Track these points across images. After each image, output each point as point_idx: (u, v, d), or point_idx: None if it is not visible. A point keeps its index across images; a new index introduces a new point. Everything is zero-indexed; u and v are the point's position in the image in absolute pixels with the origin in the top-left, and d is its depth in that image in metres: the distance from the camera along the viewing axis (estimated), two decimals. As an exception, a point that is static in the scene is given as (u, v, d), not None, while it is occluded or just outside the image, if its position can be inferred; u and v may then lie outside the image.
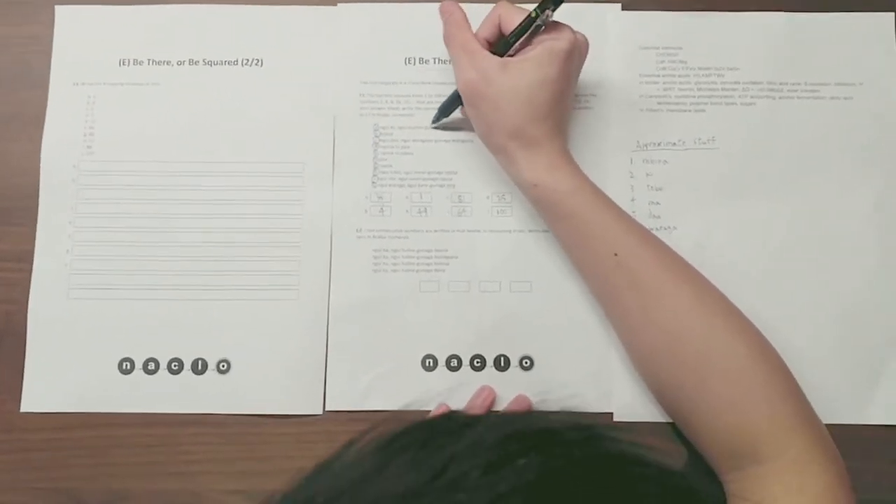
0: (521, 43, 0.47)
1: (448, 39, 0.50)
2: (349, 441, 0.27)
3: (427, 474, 0.24)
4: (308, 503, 0.25)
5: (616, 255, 0.46)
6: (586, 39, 0.48)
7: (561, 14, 0.52)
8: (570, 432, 0.27)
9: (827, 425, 0.49)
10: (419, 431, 0.27)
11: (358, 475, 0.25)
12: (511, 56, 0.48)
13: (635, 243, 0.46)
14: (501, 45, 0.48)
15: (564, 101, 0.48)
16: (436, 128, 0.54)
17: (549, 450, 0.25)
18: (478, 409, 0.50)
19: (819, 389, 0.50)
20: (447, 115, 0.53)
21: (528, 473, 0.24)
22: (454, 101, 0.52)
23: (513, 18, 0.47)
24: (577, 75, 0.49)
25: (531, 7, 0.47)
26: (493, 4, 0.50)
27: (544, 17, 0.46)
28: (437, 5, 0.55)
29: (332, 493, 0.25)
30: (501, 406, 0.51)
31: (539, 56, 0.46)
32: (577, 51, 0.47)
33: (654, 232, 0.52)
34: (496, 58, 0.47)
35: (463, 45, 0.48)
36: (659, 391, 0.48)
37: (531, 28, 0.46)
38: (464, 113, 0.52)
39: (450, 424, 0.27)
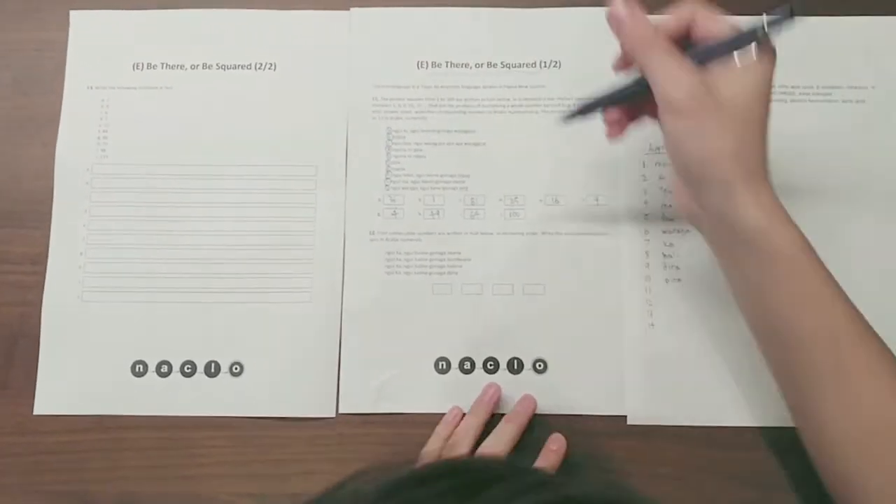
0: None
1: (645, 50, 0.40)
2: (338, 484, 0.25)
3: None
4: None
5: (828, 334, 0.39)
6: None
7: (566, 17, 0.52)
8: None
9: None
10: (424, 486, 0.23)
11: None
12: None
13: (850, 325, 0.39)
14: (697, 54, 0.40)
15: (767, 122, 0.40)
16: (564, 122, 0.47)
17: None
18: (483, 407, 0.49)
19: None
20: (586, 114, 0.46)
21: None
22: (616, 99, 0.45)
23: (713, 28, 0.40)
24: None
25: (734, 16, 0.40)
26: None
27: (768, 32, 0.39)
28: (448, 9, 0.56)
29: None
30: (509, 406, 0.51)
31: (753, 67, 0.39)
32: (774, 74, 0.40)
33: (666, 235, 0.53)
34: (702, 66, 0.39)
35: (670, 53, 0.39)
36: (844, 492, 0.41)
37: (747, 44, 0.39)
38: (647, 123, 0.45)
39: (464, 479, 0.23)
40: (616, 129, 0.46)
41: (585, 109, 0.46)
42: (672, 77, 0.39)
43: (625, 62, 0.44)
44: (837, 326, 0.39)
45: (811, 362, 0.40)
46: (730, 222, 0.40)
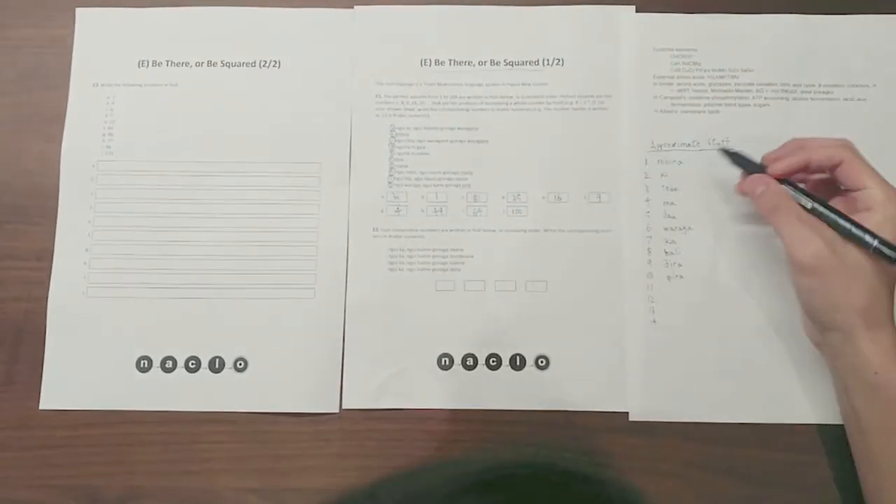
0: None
1: (775, 211, 0.45)
2: None
3: None
4: None
5: None
6: None
7: (569, 15, 0.53)
8: None
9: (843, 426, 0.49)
10: None
11: None
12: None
13: None
14: (822, 213, 0.45)
15: None
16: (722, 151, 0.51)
17: None
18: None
19: (834, 389, 0.51)
20: (739, 165, 0.50)
21: None
22: (749, 166, 0.49)
23: (859, 176, 0.44)
24: None
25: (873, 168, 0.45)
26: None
27: (879, 253, 0.43)
28: (451, 7, 0.56)
29: None
30: (511, 402, 0.51)
31: (880, 225, 0.43)
32: None
33: (668, 232, 0.53)
34: (830, 229, 0.44)
35: (797, 215, 0.44)
36: None
37: (868, 243, 0.43)
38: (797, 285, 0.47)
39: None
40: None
41: (739, 161, 0.50)
42: (799, 239, 0.44)
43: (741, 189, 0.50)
44: None
45: None
46: (849, 361, 0.44)
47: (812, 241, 0.43)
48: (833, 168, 0.46)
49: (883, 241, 0.42)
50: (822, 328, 0.46)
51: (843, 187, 0.47)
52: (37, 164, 0.55)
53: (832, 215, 0.45)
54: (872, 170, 0.45)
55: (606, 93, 0.55)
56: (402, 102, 0.55)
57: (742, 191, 0.49)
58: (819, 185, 0.49)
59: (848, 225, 0.44)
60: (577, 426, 0.51)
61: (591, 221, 0.53)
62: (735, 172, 0.50)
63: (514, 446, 0.50)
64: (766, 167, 0.48)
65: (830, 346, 0.45)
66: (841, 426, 0.48)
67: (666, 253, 0.53)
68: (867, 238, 0.43)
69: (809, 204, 0.45)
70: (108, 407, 0.52)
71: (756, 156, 0.49)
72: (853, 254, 0.43)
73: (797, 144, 0.47)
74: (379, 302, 0.52)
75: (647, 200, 0.54)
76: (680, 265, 0.53)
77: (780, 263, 0.52)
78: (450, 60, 0.56)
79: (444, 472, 0.23)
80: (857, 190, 0.45)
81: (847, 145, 0.46)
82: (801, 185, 0.47)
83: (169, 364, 0.52)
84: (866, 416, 0.44)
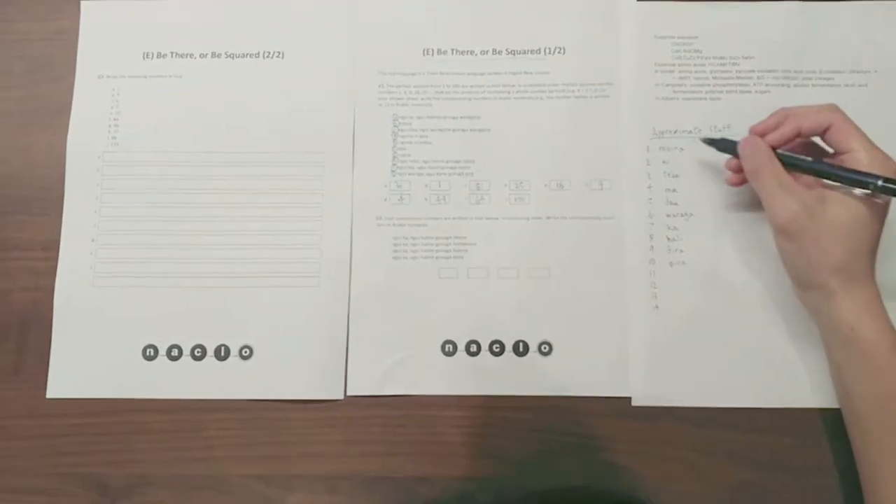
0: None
1: (755, 173, 0.47)
2: None
3: None
4: None
5: None
6: None
7: (571, 4, 0.53)
8: None
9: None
10: None
11: None
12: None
13: None
14: (822, 169, 0.45)
15: (877, 241, 0.45)
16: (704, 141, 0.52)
17: None
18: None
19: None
20: (720, 149, 0.51)
21: None
22: (728, 149, 0.50)
23: (847, 139, 0.45)
24: None
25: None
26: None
27: (884, 196, 0.43)
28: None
29: None
30: (516, 388, 0.51)
31: (868, 200, 0.44)
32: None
33: (670, 219, 0.53)
34: (812, 191, 0.45)
35: (777, 178, 0.46)
36: None
37: (867, 185, 0.43)
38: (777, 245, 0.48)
39: None
40: (736, 179, 0.51)
41: (722, 145, 0.51)
42: (775, 202, 0.45)
43: (734, 180, 0.51)
44: None
45: (892, 455, 0.43)
46: (826, 317, 0.45)
47: (790, 203, 0.44)
48: (823, 132, 0.47)
49: (888, 179, 0.43)
50: (801, 286, 0.47)
51: (831, 150, 0.47)
52: (43, 156, 0.55)
53: (832, 170, 0.45)
54: (860, 132, 0.45)
55: (608, 81, 0.55)
56: (405, 92, 0.55)
57: (731, 167, 0.50)
58: (797, 149, 0.49)
59: (849, 174, 0.44)
60: (580, 412, 0.51)
61: (593, 209, 0.54)
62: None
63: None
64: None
65: (811, 303, 0.47)
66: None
67: (668, 239, 0.53)
68: (870, 180, 0.43)
69: (806, 164, 0.46)
70: (115, 395, 0.52)
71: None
72: (831, 215, 0.44)
73: (784, 114, 0.48)
74: (383, 290, 0.53)
75: (649, 187, 0.54)
76: (682, 251, 0.53)
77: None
78: (452, 50, 0.56)
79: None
80: (844, 153, 0.45)
81: (835, 108, 0.47)
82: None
83: (175, 352, 0.52)
84: (846, 370, 0.45)
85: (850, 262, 0.44)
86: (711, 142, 0.51)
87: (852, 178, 0.44)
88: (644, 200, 0.54)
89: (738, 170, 0.50)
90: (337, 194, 0.54)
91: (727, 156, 0.51)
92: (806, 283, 0.46)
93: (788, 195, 0.45)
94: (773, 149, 0.47)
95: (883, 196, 0.44)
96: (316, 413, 0.52)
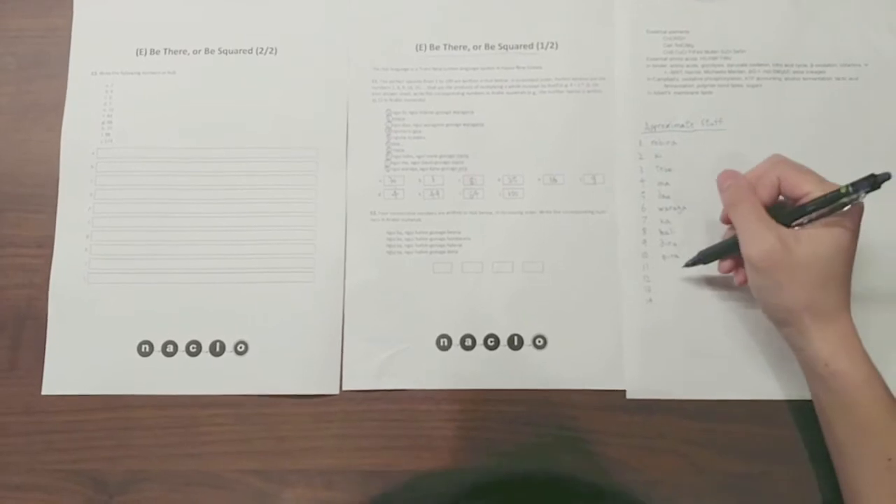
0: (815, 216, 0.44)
1: (734, 207, 0.46)
2: None
3: None
4: None
5: (889, 459, 0.42)
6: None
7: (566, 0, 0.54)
8: None
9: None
10: None
11: None
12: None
13: None
14: (788, 214, 0.45)
15: (849, 275, 0.45)
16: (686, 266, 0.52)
17: None
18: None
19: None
20: (707, 263, 0.51)
21: None
22: (722, 253, 0.50)
23: (799, 184, 0.44)
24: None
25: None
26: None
27: (855, 197, 0.42)
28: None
29: None
30: (510, 382, 0.51)
31: (834, 222, 0.44)
32: (861, 214, 0.45)
33: (663, 212, 0.54)
34: (787, 229, 0.44)
35: (755, 213, 0.45)
36: None
37: (835, 205, 0.43)
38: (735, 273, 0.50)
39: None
40: (739, 277, 0.50)
41: (704, 259, 0.51)
42: (752, 236, 0.45)
43: (725, 217, 0.50)
44: (891, 456, 0.42)
45: (876, 487, 0.43)
46: (802, 353, 0.45)
47: (767, 237, 0.44)
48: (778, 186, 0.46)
49: (854, 183, 0.42)
50: (777, 323, 0.47)
51: (787, 198, 0.46)
52: (37, 153, 0.55)
53: (808, 205, 0.44)
54: (809, 172, 0.45)
55: (600, 75, 0.55)
56: (398, 87, 0.56)
57: (724, 268, 0.50)
58: None
59: (822, 199, 0.43)
60: (574, 405, 0.51)
61: (586, 203, 0.54)
62: (728, 146, 0.52)
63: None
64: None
65: (786, 338, 0.47)
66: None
67: (661, 233, 0.53)
68: (841, 188, 0.43)
69: (784, 211, 0.45)
70: (110, 391, 0.52)
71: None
72: (805, 251, 0.43)
73: (736, 183, 0.47)
74: (377, 284, 0.53)
75: (642, 181, 0.54)
76: (675, 245, 0.53)
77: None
78: (445, 45, 0.56)
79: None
80: (801, 196, 0.45)
81: (776, 160, 0.46)
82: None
83: (170, 348, 0.52)
84: (825, 404, 0.45)
85: (824, 298, 0.44)
86: (695, 262, 0.51)
87: (826, 200, 0.43)
88: (637, 194, 0.54)
89: (732, 267, 0.50)
90: (331, 189, 0.54)
91: (713, 146, 0.50)
92: (781, 321, 0.46)
93: (766, 230, 0.44)
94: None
95: (859, 203, 0.43)
96: (311, 408, 0.52)
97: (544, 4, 0.56)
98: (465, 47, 0.56)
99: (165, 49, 0.56)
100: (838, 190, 0.43)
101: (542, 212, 0.54)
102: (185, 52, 0.56)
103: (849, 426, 0.44)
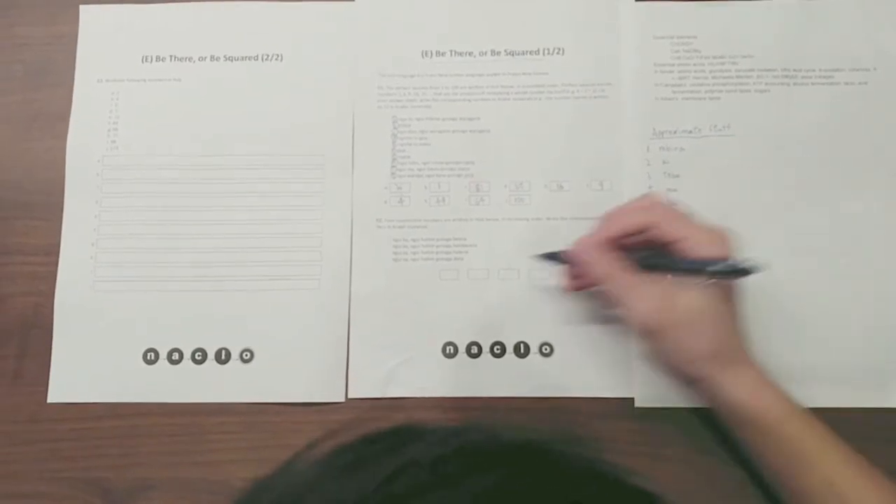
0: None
1: (607, 277, 0.44)
2: (293, 455, 0.26)
3: (370, 485, 0.23)
4: None
5: (832, 485, 0.42)
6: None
7: (569, 4, 0.53)
8: (520, 448, 0.26)
9: (853, 409, 0.50)
10: (367, 442, 0.26)
11: (297, 488, 0.25)
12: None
13: (853, 474, 0.42)
14: (658, 264, 0.44)
15: (739, 319, 0.45)
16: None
17: (499, 466, 0.24)
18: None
19: (844, 372, 0.51)
20: (554, 262, 0.50)
21: (477, 488, 0.23)
22: (553, 260, 0.50)
23: (673, 230, 0.43)
24: None
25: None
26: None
27: (722, 277, 0.42)
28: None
29: None
30: (518, 389, 0.51)
31: (712, 288, 0.43)
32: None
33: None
34: (665, 280, 0.43)
35: (627, 278, 0.44)
36: None
37: (705, 275, 0.42)
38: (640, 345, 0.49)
39: (398, 438, 0.26)
40: (572, 285, 0.50)
41: (553, 258, 0.50)
42: (633, 301, 0.43)
43: (572, 287, 0.50)
44: (839, 476, 0.42)
45: None
46: (721, 403, 0.44)
47: (644, 301, 0.43)
48: (649, 230, 0.45)
49: (721, 266, 0.41)
50: (687, 384, 0.46)
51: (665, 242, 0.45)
52: (43, 161, 0.55)
53: (666, 260, 0.44)
54: (684, 218, 0.44)
55: (607, 81, 0.55)
56: (404, 94, 0.55)
57: (570, 258, 0.48)
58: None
59: (683, 264, 0.43)
60: (582, 413, 0.51)
61: (593, 209, 0.53)
62: (736, 152, 0.51)
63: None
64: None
65: (702, 396, 0.46)
66: (849, 410, 0.49)
67: (669, 240, 0.53)
68: (707, 268, 0.42)
69: (641, 258, 0.45)
70: (116, 399, 0.52)
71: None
72: (684, 305, 0.42)
73: (607, 216, 0.46)
74: (383, 292, 0.53)
75: (650, 187, 0.54)
76: (683, 251, 0.53)
77: (782, 247, 0.52)
78: (451, 51, 0.56)
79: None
80: (679, 241, 0.43)
81: (653, 206, 0.45)
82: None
83: (176, 356, 0.52)
84: (758, 445, 0.44)
85: (719, 347, 0.43)
86: (545, 257, 0.50)
87: (686, 267, 0.43)
88: (644, 200, 0.54)
89: (574, 277, 0.49)
90: (337, 196, 0.54)
91: (721, 152, 0.50)
92: (691, 378, 0.44)
93: (641, 294, 0.43)
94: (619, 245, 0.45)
95: (721, 280, 0.42)
96: (318, 416, 0.52)
97: (551, 10, 0.56)
98: (471, 53, 0.56)
99: (171, 56, 0.56)
100: (704, 270, 0.42)
101: (548, 218, 0.53)
102: (190, 59, 0.56)
103: (786, 460, 0.43)
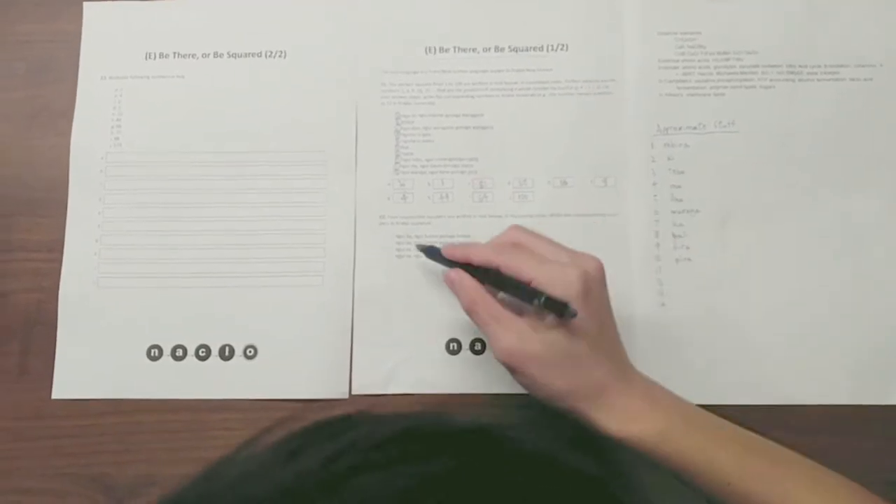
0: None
1: (471, 308, 0.44)
2: (244, 442, 0.27)
3: (312, 465, 0.23)
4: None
5: (729, 485, 0.42)
6: (595, 262, 0.44)
7: (577, 1, 0.53)
8: (468, 433, 0.25)
9: (856, 406, 0.49)
10: (316, 428, 0.26)
11: (241, 474, 0.25)
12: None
13: (746, 470, 0.42)
14: (499, 285, 0.44)
15: (608, 335, 0.44)
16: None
17: (445, 449, 0.24)
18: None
19: (845, 371, 0.50)
20: (432, 257, 0.49)
21: (421, 470, 0.23)
22: (432, 256, 0.49)
23: (519, 274, 0.43)
24: (606, 299, 0.45)
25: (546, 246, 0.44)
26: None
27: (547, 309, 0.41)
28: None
29: (211, 491, 0.24)
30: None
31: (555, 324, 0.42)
32: (592, 284, 0.43)
33: (676, 215, 0.53)
34: (526, 318, 0.43)
35: (490, 312, 0.43)
36: None
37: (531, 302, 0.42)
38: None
39: (347, 423, 0.26)
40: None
41: (432, 253, 0.49)
42: (494, 336, 0.43)
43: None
44: (733, 476, 0.41)
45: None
46: (596, 430, 0.43)
47: (506, 336, 0.42)
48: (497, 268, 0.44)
49: (549, 298, 0.41)
50: (564, 411, 0.43)
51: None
52: (47, 158, 0.55)
53: (508, 282, 0.43)
54: (532, 260, 0.43)
55: (611, 77, 0.55)
56: (408, 90, 0.55)
57: (447, 281, 0.47)
58: None
59: (519, 289, 0.42)
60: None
61: (597, 206, 0.53)
62: (741, 148, 0.51)
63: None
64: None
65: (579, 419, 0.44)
66: (851, 407, 0.48)
67: (674, 236, 0.53)
68: (534, 297, 0.41)
69: (482, 279, 0.45)
70: (120, 395, 0.52)
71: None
72: (542, 343, 0.42)
73: (469, 245, 0.47)
74: (387, 288, 0.53)
75: (654, 184, 0.54)
76: (688, 248, 0.53)
77: (787, 245, 0.52)
78: (454, 48, 0.56)
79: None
80: (530, 282, 0.43)
81: (500, 252, 0.45)
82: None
83: (179, 352, 0.52)
84: (650, 457, 0.43)
85: (576, 385, 0.42)
86: (428, 253, 0.49)
87: (521, 293, 0.42)
88: (649, 197, 0.53)
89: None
90: (340, 193, 0.54)
91: (725, 148, 0.50)
92: (562, 409, 0.43)
93: (501, 329, 0.42)
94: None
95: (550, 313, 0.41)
96: (321, 412, 0.51)
97: (554, 6, 0.56)
98: (474, 50, 0.56)
99: (174, 53, 0.56)
100: (535, 299, 0.41)
101: (552, 215, 0.53)
102: (194, 55, 0.56)
103: (678, 471, 0.42)
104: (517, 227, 0.46)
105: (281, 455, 0.25)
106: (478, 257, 0.45)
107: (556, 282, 0.42)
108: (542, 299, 0.41)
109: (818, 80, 0.54)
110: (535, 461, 0.25)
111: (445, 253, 0.47)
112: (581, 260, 0.44)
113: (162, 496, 0.24)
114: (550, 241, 0.45)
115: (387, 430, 0.24)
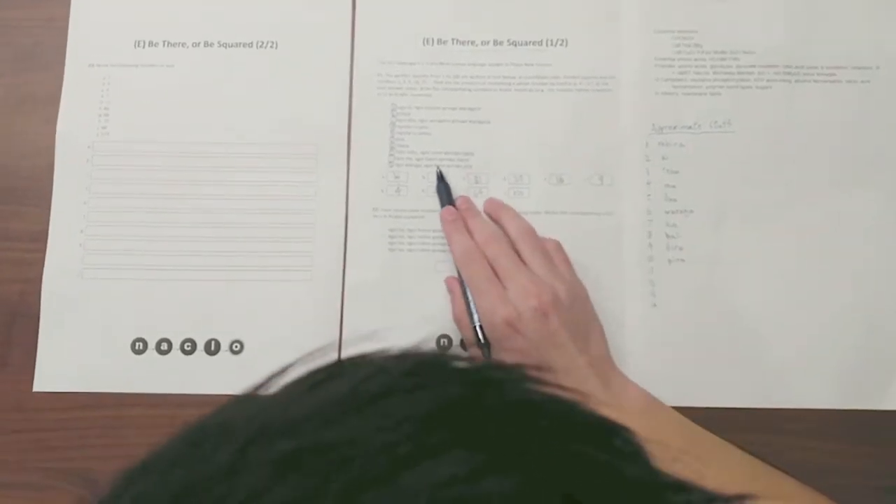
0: None
1: (456, 321, 0.50)
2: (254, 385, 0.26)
3: (343, 389, 0.23)
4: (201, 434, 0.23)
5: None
6: (547, 295, 0.46)
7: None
8: (475, 369, 0.25)
9: (848, 411, 0.49)
10: (336, 363, 0.26)
11: (263, 404, 0.25)
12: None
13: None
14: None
15: (555, 366, 0.45)
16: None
17: (458, 381, 0.24)
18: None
19: (839, 375, 0.50)
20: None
21: (423, 404, 0.23)
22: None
23: (472, 284, 0.49)
24: (551, 333, 0.46)
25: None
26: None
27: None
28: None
29: (232, 420, 0.24)
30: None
31: None
32: (521, 325, 0.45)
33: (670, 215, 0.53)
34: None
35: (467, 335, 0.49)
36: None
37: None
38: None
39: (362, 356, 0.27)
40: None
41: (440, 189, 0.52)
42: (482, 305, 0.47)
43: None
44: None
45: None
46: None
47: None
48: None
49: (481, 327, 0.47)
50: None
51: None
52: (32, 146, 0.54)
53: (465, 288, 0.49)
54: (488, 279, 0.47)
55: (611, 74, 0.54)
56: (404, 82, 0.55)
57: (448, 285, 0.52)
58: None
59: (469, 299, 0.49)
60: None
61: (592, 204, 0.53)
62: (736, 148, 0.51)
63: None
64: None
65: None
66: (844, 411, 0.48)
67: (667, 236, 0.53)
68: (472, 321, 0.48)
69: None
70: (103, 389, 0.51)
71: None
72: (521, 343, 0.46)
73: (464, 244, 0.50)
74: (378, 282, 0.52)
75: (649, 183, 0.53)
76: (681, 248, 0.52)
77: (781, 247, 0.52)
78: (453, 40, 0.55)
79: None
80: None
81: (471, 261, 0.49)
82: None
83: (164, 346, 0.51)
84: None
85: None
86: (440, 177, 0.53)
87: (469, 308, 0.48)
88: (643, 196, 0.53)
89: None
90: (332, 185, 0.53)
91: (721, 149, 0.51)
92: None
93: (472, 351, 0.47)
94: None
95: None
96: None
97: (554, 1, 0.55)
98: (473, 42, 0.55)
99: (164, 42, 0.55)
100: (474, 318, 0.48)
101: (547, 212, 0.53)
102: (183, 44, 0.55)
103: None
104: (509, 218, 0.50)
105: (305, 386, 0.25)
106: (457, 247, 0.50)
107: (486, 316, 0.46)
108: (478, 325, 0.47)
109: (815, 81, 0.54)
110: (552, 404, 0.25)
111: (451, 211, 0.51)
112: (530, 290, 0.46)
113: (182, 425, 0.24)
114: (515, 258, 0.48)
115: (409, 361, 0.24)
